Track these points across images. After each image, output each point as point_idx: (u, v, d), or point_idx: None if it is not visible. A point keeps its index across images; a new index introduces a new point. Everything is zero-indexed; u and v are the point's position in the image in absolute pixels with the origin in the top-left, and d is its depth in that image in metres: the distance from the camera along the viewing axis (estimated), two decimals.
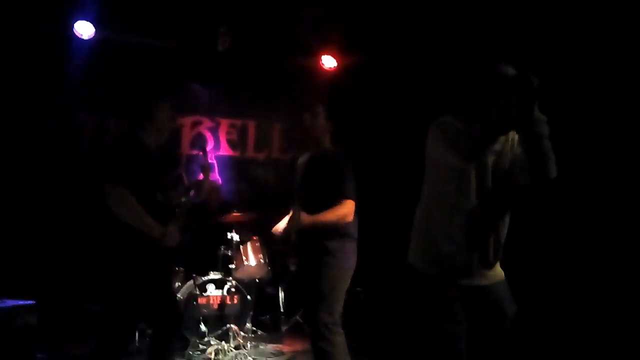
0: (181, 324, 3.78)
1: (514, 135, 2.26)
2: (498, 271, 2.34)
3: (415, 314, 2.39)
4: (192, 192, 3.36)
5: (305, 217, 3.04)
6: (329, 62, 6.29)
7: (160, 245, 2.93)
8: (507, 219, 2.32)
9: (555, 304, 3.73)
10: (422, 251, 2.34)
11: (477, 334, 2.24)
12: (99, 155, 3.17)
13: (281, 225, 3.42)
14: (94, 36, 5.38)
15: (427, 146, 2.33)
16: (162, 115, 3.13)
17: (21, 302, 3.31)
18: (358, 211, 3.18)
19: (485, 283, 2.28)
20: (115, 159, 2.91)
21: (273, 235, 3.41)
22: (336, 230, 3.13)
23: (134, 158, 2.92)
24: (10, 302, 3.28)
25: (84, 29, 5.34)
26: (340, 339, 3.09)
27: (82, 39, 5.38)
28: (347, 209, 3.06)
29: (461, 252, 2.22)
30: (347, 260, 3.17)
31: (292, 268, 3.44)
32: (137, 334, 4.47)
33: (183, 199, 3.25)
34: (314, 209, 3.09)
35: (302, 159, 3.47)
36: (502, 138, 2.23)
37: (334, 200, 3.08)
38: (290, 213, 3.16)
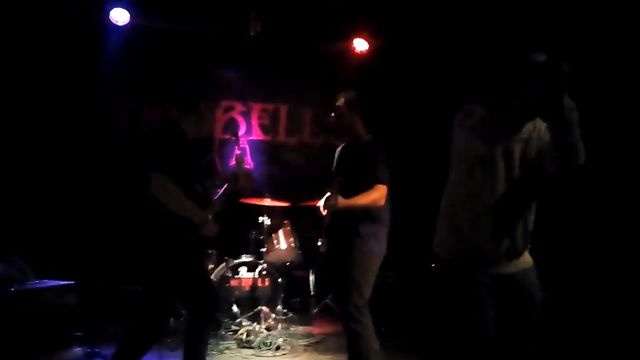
0: (217, 307, 3.88)
1: (541, 124, 2.21)
2: (527, 258, 2.31)
3: (443, 300, 2.38)
4: (227, 184, 3.40)
5: (341, 201, 3.15)
6: (360, 45, 6.23)
7: (200, 233, 3.00)
8: (534, 207, 2.28)
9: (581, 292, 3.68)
10: (446, 239, 2.33)
11: (506, 321, 2.22)
12: (142, 141, 3.24)
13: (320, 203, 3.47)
14: (128, 23, 5.47)
15: (453, 133, 2.31)
16: (208, 114, 3.20)
17: (61, 282, 3.44)
18: (390, 195, 3.24)
19: (513, 270, 2.25)
20: (161, 147, 2.96)
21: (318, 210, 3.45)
22: (368, 214, 3.21)
23: (176, 148, 2.98)
24: (51, 282, 3.42)
25: (119, 16, 5.44)
26: (369, 321, 3.17)
27: (118, 26, 5.48)
28: (379, 194, 3.16)
29: (487, 241, 2.20)
30: (377, 245, 3.23)
31: (322, 250, 3.49)
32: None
33: (219, 190, 3.29)
34: (350, 194, 3.19)
35: (340, 147, 3.61)
36: (530, 126, 2.19)
37: (367, 185, 3.17)
38: (327, 195, 3.23)
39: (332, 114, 3.51)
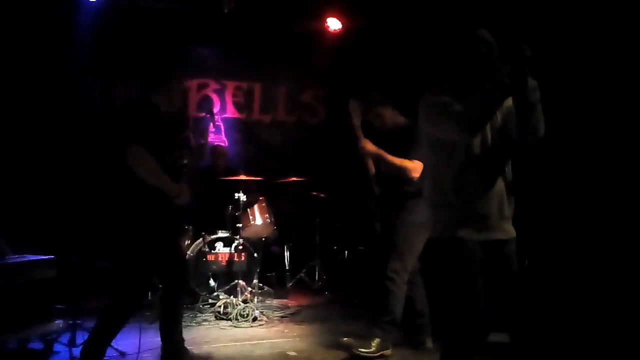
0: (188, 279, 4.01)
1: None
2: (511, 228, 2.39)
3: (440, 276, 2.40)
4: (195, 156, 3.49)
5: (371, 147, 3.47)
6: (334, 24, 6.30)
7: (174, 203, 3.09)
8: (510, 173, 2.38)
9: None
10: (441, 218, 2.37)
11: (491, 288, 2.28)
12: (117, 115, 3.31)
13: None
14: None
15: (424, 124, 2.38)
16: (178, 85, 3.28)
17: (41, 257, 3.49)
18: None
19: (504, 237, 2.34)
20: (136, 120, 3.03)
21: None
22: (411, 188, 3.45)
23: (150, 121, 3.05)
24: (31, 257, 3.45)
25: None
26: (403, 285, 3.47)
27: (90, 1, 5.42)
28: (413, 165, 3.41)
29: (480, 208, 2.28)
30: (421, 215, 3.34)
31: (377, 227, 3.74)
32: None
33: (185, 161, 3.37)
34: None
35: (386, 132, 3.74)
36: None
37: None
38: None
39: (372, 119, 3.69)
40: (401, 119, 3.70)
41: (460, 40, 2.31)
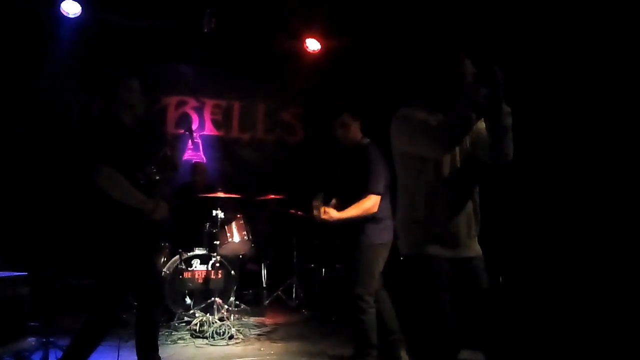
0: (164, 296, 3.96)
1: None
2: (477, 247, 2.43)
3: (407, 293, 2.42)
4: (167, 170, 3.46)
5: (334, 214, 3.49)
6: (312, 45, 6.40)
7: (150, 219, 3.08)
8: (477, 193, 2.43)
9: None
10: (409, 236, 2.40)
11: (461, 305, 2.31)
12: (85, 135, 3.29)
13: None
14: (80, 15, 5.43)
15: (396, 139, 2.41)
16: (129, 93, 3.21)
17: (14, 274, 3.44)
18: (391, 189, 3.49)
19: (471, 255, 2.37)
20: (101, 139, 3.02)
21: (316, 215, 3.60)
22: (369, 216, 3.51)
23: (115, 137, 3.03)
24: (4, 273, 3.41)
25: (71, 8, 5.39)
26: (372, 309, 3.48)
27: (69, 18, 5.42)
28: (370, 203, 3.49)
29: (450, 226, 2.31)
30: (378, 237, 3.51)
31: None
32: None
33: (158, 177, 3.35)
34: (348, 198, 3.54)
35: (341, 153, 3.81)
36: None
37: (361, 194, 3.49)
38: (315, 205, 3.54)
39: (337, 126, 3.67)
40: (360, 136, 3.71)
41: (445, 59, 2.34)
